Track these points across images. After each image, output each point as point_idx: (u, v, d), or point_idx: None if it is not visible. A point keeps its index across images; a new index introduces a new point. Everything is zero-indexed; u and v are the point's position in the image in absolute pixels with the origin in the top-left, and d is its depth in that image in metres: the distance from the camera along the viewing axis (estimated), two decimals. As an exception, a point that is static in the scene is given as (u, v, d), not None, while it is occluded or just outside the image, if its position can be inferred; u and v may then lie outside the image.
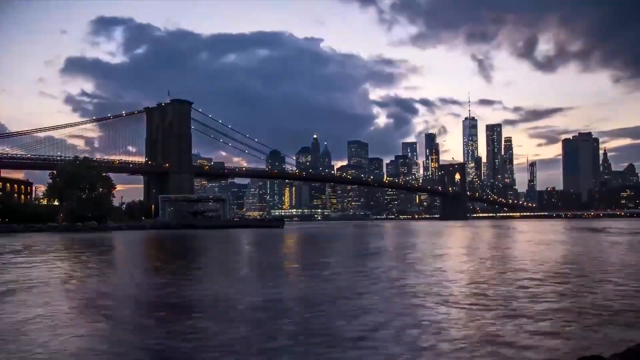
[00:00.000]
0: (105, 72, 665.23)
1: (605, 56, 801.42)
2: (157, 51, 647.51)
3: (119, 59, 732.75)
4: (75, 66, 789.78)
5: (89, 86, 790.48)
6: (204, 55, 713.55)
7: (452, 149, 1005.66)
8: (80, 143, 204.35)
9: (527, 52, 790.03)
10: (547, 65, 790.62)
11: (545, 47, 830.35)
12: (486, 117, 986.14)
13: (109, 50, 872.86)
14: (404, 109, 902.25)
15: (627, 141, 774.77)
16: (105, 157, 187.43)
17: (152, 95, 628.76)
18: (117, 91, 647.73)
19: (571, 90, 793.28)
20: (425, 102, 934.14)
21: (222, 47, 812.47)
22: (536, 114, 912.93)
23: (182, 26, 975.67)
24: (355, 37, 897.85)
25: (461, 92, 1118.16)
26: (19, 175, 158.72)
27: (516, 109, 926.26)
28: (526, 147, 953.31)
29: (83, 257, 37.14)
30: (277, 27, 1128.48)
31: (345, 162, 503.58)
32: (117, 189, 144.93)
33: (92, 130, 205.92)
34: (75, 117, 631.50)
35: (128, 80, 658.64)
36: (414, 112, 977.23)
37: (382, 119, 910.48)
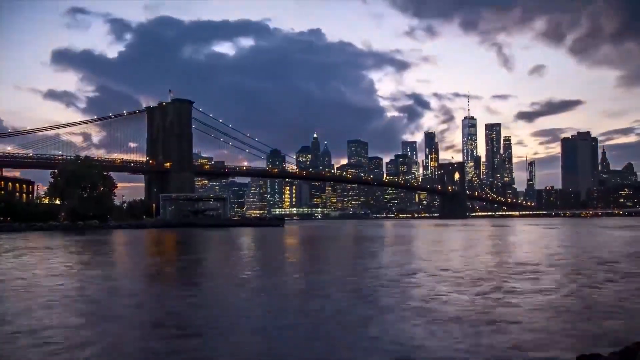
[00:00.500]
0: (93, 65, 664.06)
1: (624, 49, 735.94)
2: (142, 41, 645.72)
3: (105, 50, 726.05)
4: (64, 59, 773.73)
5: (77, 79, 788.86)
6: (190, 45, 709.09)
7: (459, 144, 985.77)
8: (81, 142, 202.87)
9: (554, 38, 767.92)
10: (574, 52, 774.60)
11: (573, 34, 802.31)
12: (500, 110, 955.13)
13: (94, 42, 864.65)
14: (414, 102, 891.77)
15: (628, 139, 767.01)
16: (107, 157, 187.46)
17: (141, 87, 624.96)
18: (105, 83, 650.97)
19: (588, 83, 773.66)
20: (433, 96, 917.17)
21: (208, 35, 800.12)
22: (551, 107, 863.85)
23: (163, 13, 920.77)
24: (345, 28, 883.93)
25: (463, 86, 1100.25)
26: (19, 174, 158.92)
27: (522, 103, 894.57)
28: (530, 145, 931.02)
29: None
30: (260, 15, 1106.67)
31: (345, 161, 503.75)
32: (118, 187, 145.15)
33: (93, 129, 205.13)
34: (67, 111, 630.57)
35: (116, 72, 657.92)
36: (424, 105, 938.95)
37: (390, 113, 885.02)
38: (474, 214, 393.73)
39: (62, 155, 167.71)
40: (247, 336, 11.75)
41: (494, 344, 10.72)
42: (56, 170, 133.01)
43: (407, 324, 12.76)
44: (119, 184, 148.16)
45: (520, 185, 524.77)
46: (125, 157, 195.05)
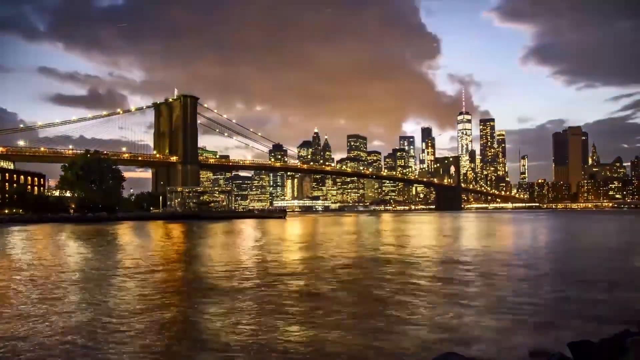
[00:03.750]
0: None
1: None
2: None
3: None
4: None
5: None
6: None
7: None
8: (89, 137, 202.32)
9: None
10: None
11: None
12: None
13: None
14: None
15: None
16: (115, 150, 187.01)
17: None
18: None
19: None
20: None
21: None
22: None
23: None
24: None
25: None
26: (31, 167, 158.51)
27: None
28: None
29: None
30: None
31: (344, 155, 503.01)
32: (127, 176, 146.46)
33: (101, 124, 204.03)
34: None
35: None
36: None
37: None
38: (469, 206, 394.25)
39: (72, 149, 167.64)
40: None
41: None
42: (66, 164, 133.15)
43: None
44: (127, 174, 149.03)
45: (514, 178, 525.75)
46: (134, 149, 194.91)
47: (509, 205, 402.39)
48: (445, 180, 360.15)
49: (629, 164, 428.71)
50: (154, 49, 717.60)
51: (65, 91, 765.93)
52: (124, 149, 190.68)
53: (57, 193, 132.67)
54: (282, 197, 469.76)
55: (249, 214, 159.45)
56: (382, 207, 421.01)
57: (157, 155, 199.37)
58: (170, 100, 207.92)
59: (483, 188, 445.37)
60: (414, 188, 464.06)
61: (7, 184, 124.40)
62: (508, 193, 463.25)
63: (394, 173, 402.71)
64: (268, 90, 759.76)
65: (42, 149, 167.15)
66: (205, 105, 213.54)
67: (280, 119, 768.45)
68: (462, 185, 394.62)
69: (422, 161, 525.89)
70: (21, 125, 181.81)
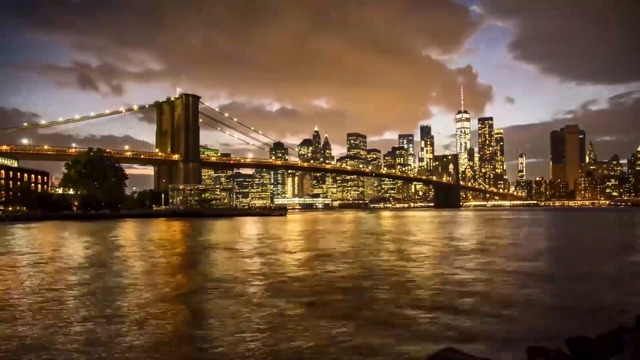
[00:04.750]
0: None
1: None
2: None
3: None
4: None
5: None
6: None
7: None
8: (93, 135, 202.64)
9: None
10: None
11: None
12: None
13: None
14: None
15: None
16: (118, 148, 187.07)
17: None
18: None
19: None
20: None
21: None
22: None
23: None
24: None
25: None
26: (34, 165, 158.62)
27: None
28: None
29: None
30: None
31: (345, 153, 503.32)
32: (129, 173, 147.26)
33: (105, 123, 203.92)
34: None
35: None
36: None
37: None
38: (467, 203, 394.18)
39: (75, 148, 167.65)
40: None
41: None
42: (70, 162, 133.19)
43: None
44: (129, 171, 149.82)
45: (512, 175, 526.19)
46: (136, 148, 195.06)
47: (507, 203, 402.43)
48: (444, 178, 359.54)
49: (626, 161, 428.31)
50: (148, 39, 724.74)
51: (59, 80, 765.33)
52: (126, 147, 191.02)
53: (60, 191, 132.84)
54: (283, 195, 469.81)
55: (250, 212, 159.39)
56: (381, 205, 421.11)
57: (159, 154, 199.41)
58: (173, 98, 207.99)
59: (481, 186, 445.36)
60: (413, 186, 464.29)
61: (11, 181, 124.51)
62: (506, 191, 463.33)
63: (394, 171, 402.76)
64: (267, 84, 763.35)
65: (45, 147, 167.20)
66: (207, 104, 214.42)
67: (281, 112, 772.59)
68: (461, 183, 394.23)
69: (421, 159, 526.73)
70: (25, 124, 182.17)
